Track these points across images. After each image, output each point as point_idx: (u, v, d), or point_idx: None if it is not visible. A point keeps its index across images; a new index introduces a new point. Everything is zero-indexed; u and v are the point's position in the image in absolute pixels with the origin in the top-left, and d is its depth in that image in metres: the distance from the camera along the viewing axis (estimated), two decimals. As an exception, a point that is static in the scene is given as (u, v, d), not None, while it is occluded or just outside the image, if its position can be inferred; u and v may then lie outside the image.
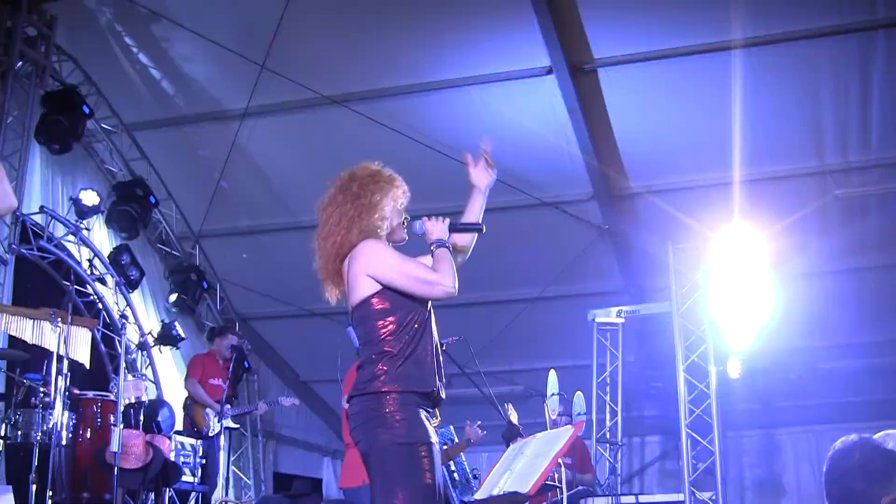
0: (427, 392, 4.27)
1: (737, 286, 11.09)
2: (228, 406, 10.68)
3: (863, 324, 12.37)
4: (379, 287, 4.35)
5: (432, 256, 4.53)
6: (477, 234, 4.85)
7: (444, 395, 4.34)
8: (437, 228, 4.64)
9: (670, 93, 10.34)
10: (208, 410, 10.57)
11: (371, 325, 4.35)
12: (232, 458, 12.15)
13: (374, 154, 11.29)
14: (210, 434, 10.42)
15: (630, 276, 12.74)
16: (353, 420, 4.29)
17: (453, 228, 4.73)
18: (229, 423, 10.63)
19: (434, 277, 4.37)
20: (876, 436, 3.65)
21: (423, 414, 4.23)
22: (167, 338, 11.68)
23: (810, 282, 11.56)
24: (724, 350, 11.60)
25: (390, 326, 4.35)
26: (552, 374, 8.53)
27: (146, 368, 10.61)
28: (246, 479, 13.80)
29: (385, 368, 4.25)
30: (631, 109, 10.55)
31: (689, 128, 10.58)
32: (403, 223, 4.70)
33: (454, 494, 8.15)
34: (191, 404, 10.67)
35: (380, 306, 4.35)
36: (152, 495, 8.76)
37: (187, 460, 9.33)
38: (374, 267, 4.36)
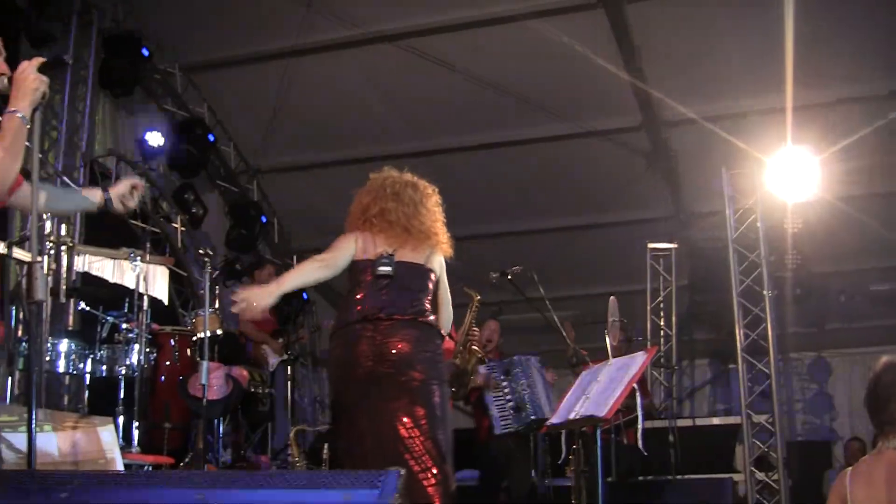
0: None
1: (790, 210, 11.20)
2: (280, 339, 10.90)
3: (915, 245, 12.44)
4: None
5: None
6: None
7: None
8: None
9: (723, 18, 10.36)
10: (265, 346, 10.79)
11: (427, 289, 5.18)
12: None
13: (427, 89, 11.52)
14: (271, 370, 10.66)
15: (682, 201, 12.86)
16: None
17: None
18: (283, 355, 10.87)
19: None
20: None
21: None
22: (231, 273, 11.98)
23: (863, 204, 11.59)
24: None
25: None
26: (612, 301, 8.68)
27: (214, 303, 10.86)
28: (306, 409, 14.16)
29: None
30: (682, 36, 10.59)
31: (742, 53, 10.61)
32: None
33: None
34: (248, 341, 10.88)
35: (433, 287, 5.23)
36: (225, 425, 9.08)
37: (257, 391, 9.61)
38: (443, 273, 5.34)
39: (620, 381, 5.50)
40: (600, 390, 5.60)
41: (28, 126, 3.64)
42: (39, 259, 3.65)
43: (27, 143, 3.69)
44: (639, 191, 12.44)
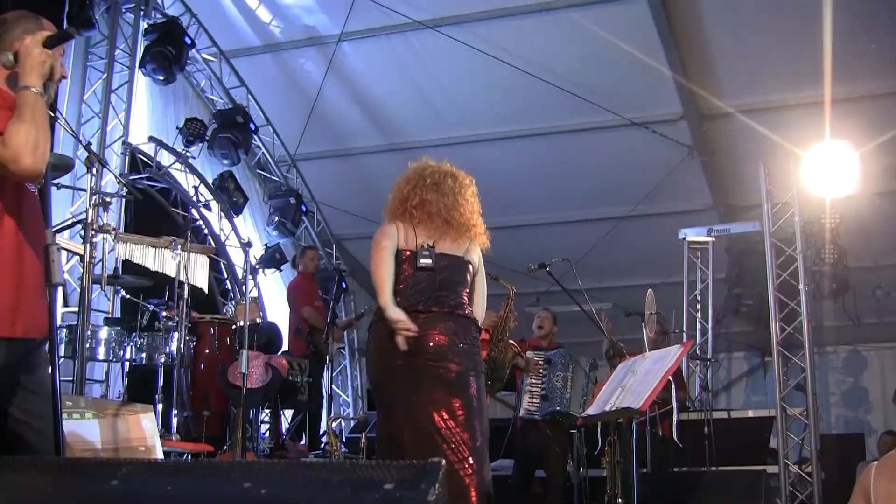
0: None
1: (828, 205, 11.14)
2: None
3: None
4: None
5: None
6: None
7: None
8: None
9: (762, 11, 10.34)
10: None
11: (466, 282, 5.20)
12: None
13: (466, 77, 11.54)
14: (329, 357, 10.70)
15: (720, 195, 12.83)
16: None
17: None
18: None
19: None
20: None
21: None
22: (271, 261, 12.06)
23: (900, 200, 11.55)
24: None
25: None
26: (650, 294, 8.67)
27: (253, 291, 10.96)
28: (345, 397, 14.27)
29: None
30: (722, 29, 10.58)
31: (780, 46, 10.58)
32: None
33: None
34: (310, 329, 10.90)
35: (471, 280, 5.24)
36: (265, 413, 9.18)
37: (295, 379, 9.69)
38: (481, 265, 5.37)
39: (657, 373, 5.53)
40: (636, 382, 5.64)
41: (45, 99, 3.57)
42: (75, 243, 3.68)
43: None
44: (677, 183, 12.40)
